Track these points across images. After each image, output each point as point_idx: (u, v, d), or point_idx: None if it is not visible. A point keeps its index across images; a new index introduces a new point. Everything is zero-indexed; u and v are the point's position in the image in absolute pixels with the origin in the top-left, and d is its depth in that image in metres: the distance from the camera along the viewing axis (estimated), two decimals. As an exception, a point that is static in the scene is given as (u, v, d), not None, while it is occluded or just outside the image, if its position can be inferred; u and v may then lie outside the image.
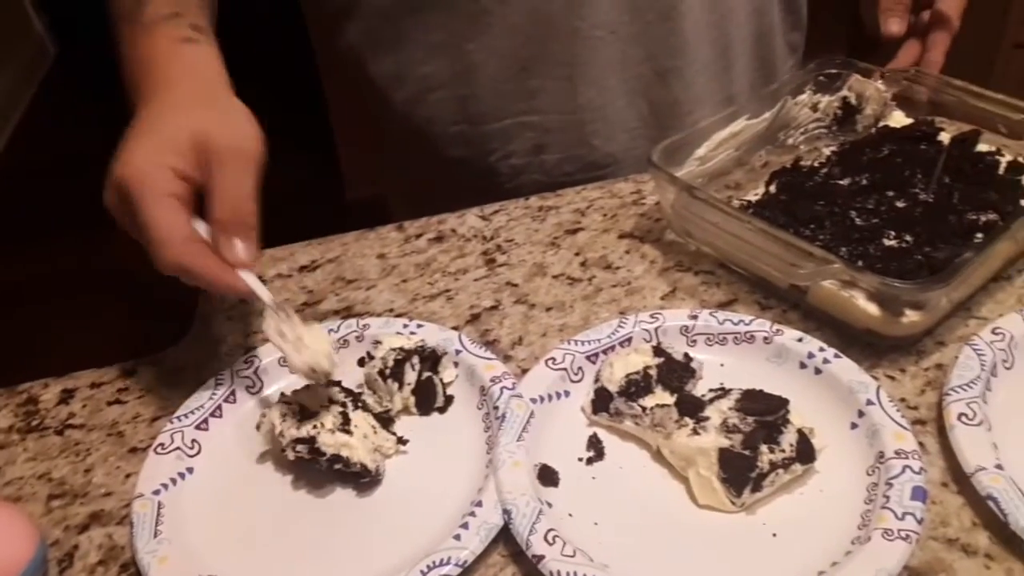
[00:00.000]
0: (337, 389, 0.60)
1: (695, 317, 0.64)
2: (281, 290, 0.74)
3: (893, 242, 0.65)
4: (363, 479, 0.57)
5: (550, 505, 0.53)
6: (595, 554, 0.50)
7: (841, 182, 0.73)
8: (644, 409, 0.57)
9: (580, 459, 0.57)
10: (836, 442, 0.55)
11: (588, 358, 0.62)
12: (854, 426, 0.56)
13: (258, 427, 0.59)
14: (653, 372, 0.59)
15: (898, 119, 0.80)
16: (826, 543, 0.50)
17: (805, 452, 0.53)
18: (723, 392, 0.57)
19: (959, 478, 0.53)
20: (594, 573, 0.48)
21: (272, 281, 0.75)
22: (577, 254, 0.75)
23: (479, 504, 0.53)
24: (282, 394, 0.60)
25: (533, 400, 0.59)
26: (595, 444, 0.58)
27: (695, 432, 0.54)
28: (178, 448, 0.59)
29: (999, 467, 0.51)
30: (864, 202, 0.70)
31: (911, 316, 0.60)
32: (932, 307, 0.61)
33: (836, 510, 0.52)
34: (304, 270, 0.77)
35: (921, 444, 0.55)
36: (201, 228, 0.56)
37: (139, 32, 0.62)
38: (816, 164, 0.76)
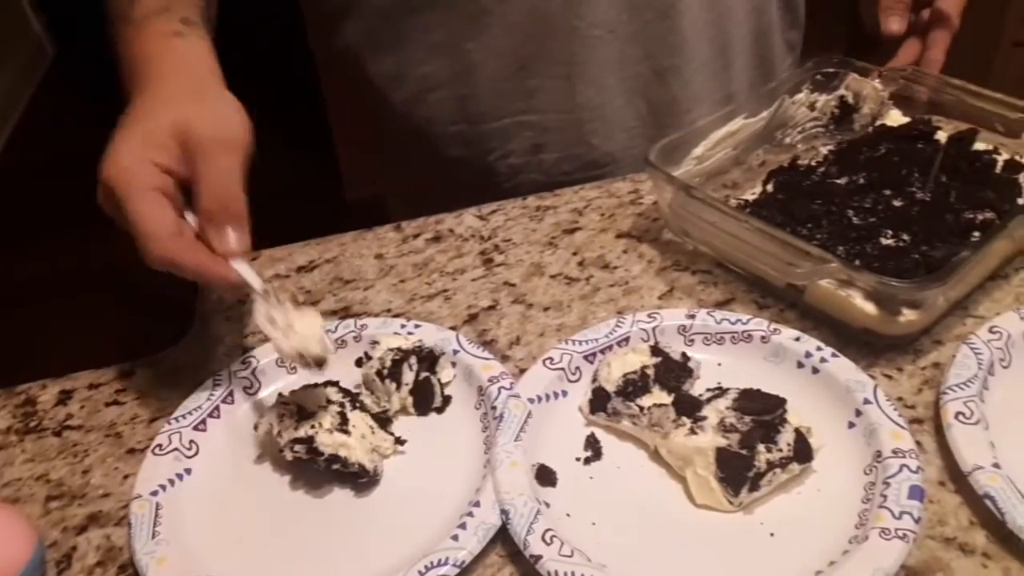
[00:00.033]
0: (335, 389, 0.60)
1: (692, 316, 0.64)
2: (279, 291, 0.74)
3: (890, 241, 0.65)
4: (361, 479, 0.57)
5: (548, 505, 0.53)
6: (593, 554, 0.50)
7: (838, 181, 0.73)
8: (642, 409, 0.57)
9: (578, 459, 0.57)
10: (833, 441, 0.55)
11: (586, 358, 0.62)
12: (851, 425, 0.56)
13: (256, 428, 0.59)
14: (651, 372, 0.59)
15: (895, 118, 0.81)
16: (823, 542, 0.50)
17: (802, 451, 0.53)
18: (720, 391, 0.57)
19: (956, 477, 0.53)
20: (592, 573, 0.48)
21: (270, 281, 0.75)
22: (575, 254, 0.75)
23: (477, 504, 0.53)
24: (280, 395, 0.60)
25: (531, 400, 0.59)
26: (593, 444, 0.58)
27: (692, 432, 0.54)
28: (176, 449, 0.59)
29: (996, 466, 0.51)
30: (861, 201, 0.70)
31: (908, 315, 0.60)
32: (929, 306, 0.61)
33: (833, 509, 0.52)
34: (302, 270, 0.77)
35: (918, 443, 0.55)
36: (192, 220, 0.56)
37: (132, 30, 0.63)
38: (813, 163, 0.76)
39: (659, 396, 0.58)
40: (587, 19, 0.82)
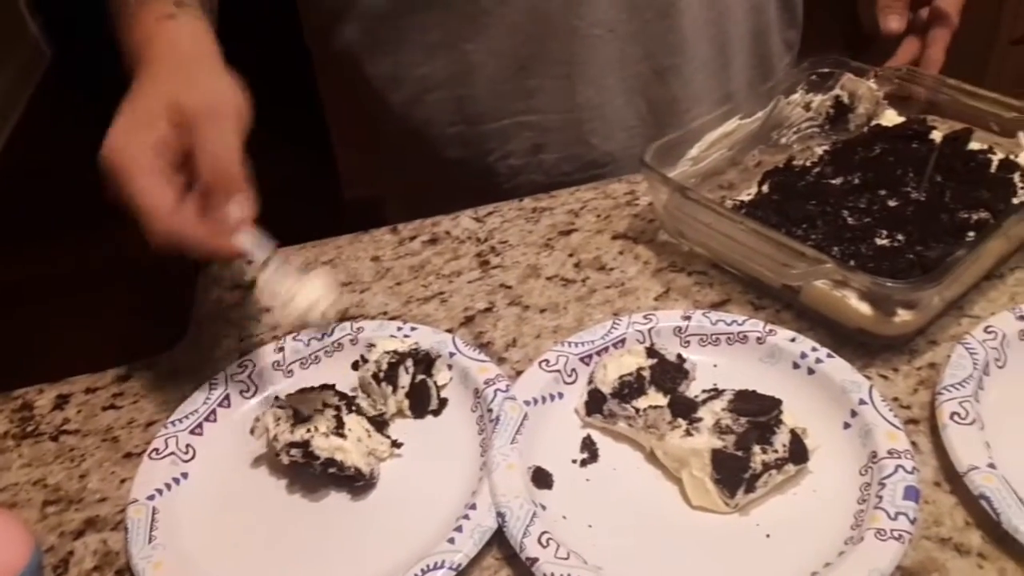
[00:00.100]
0: (331, 393, 0.60)
1: (688, 318, 0.64)
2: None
3: (885, 241, 0.65)
4: (357, 483, 0.57)
5: (544, 507, 0.53)
6: (589, 556, 0.50)
7: (833, 181, 0.73)
8: (637, 410, 0.57)
9: (574, 461, 0.57)
10: (829, 442, 0.55)
11: (582, 360, 0.62)
12: (847, 426, 0.56)
13: (252, 431, 0.59)
14: (646, 373, 0.59)
15: (890, 118, 0.80)
16: (819, 543, 0.51)
17: (798, 452, 0.53)
18: (716, 393, 0.57)
19: (952, 477, 0.53)
20: (588, 575, 0.48)
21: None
22: (571, 255, 0.75)
23: (473, 507, 0.53)
24: (276, 398, 0.60)
25: (527, 402, 0.59)
26: (589, 446, 0.58)
27: (688, 433, 0.54)
28: (173, 453, 0.59)
29: (992, 466, 0.51)
30: (856, 201, 0.70)
31: (903, 315, 0.60)
32: (924, 306, 0.61)
33: (829, 510, 0.52)
34: (299, 273, 0.77)
35: (914, 443, 0.55)
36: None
37: (129, 17, 0.63)
38: (808, 163, 0.76)
39: (655, 398, 0.58)
40: (587, 19, 0.82)
